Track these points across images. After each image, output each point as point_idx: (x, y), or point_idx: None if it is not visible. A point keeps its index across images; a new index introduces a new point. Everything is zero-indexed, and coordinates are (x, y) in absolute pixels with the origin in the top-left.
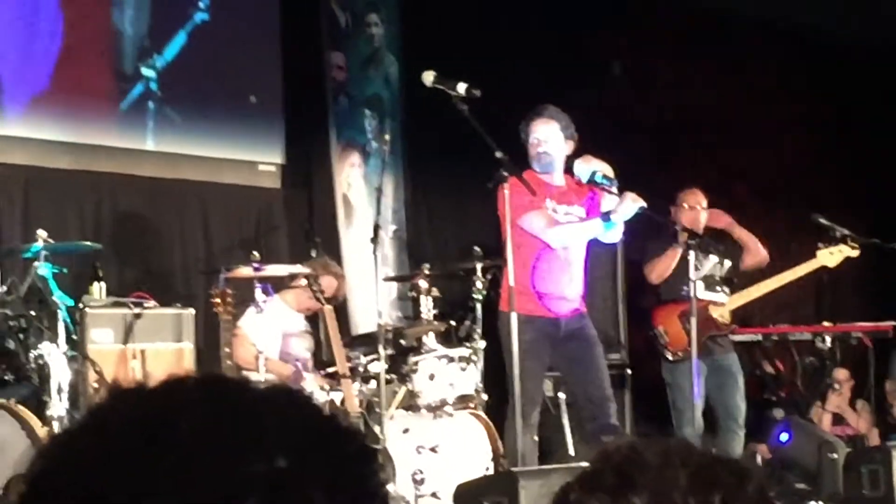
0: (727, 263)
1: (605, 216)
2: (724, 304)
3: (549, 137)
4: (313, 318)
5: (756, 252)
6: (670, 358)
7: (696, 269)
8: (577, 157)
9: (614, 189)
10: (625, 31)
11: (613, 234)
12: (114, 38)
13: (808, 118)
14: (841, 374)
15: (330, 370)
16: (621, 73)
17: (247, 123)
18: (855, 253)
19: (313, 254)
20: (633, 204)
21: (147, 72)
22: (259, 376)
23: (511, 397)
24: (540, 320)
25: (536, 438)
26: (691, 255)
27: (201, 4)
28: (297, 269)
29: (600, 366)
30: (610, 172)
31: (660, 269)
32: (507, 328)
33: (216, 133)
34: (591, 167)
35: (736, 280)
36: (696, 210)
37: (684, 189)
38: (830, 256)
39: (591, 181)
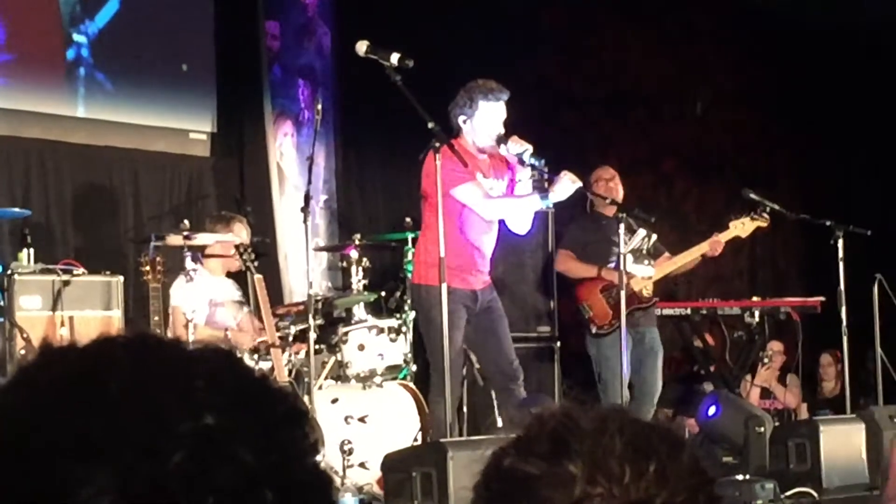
0: (654, 237)
1: (544, 194)
2: (650, 277)
3: (502, 118)
4: (244, 287)
5: None
6: (595, 332)
7: (625, 242)
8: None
9: (542, 167)
10: (560, 3)
11: (524, 225)
12: (57, 6)
13: (741, 93)
14: (775, 345)
15: (259, 339)
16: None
17: (178, 91)
18: (765, 224)
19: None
20: (571, 184)
21: (78, 38)
22: None
23: (434, 371)
24: (458, 292)
25: (465, 410)
26: (621, 228)
27: None
28: (229, 237)
29: (508, 337)
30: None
31: (572, 271)
32: (429, 302)
33: (147, 100)
34: (524, 147)
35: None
36: (611, 184)
37: (596, 168)
38: (742, 227)
39: (522, 160)
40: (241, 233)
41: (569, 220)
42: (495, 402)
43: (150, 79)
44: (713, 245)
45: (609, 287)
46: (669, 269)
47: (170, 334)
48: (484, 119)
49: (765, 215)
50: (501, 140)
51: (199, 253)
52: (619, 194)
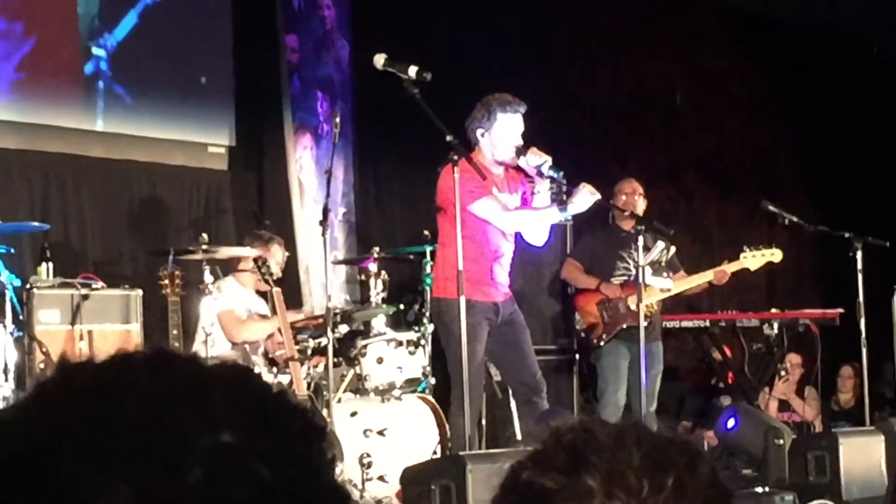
0: (672, 249)
1: (562, 206)
2: (669, 289)
3: (520, 130)
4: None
5: None
6: (586, 342)
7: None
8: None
9: (561, 179)
10: (575, 14)
11: (541, 237)
12: (76, 21)
13: (761, 105)
14: (794, 358)
15: (279, 353)
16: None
17: (197, 105)
18: (777, 258)
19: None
20: (589, 196)
21: (97, 51)
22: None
23: (455, 385)
24: (480, 305)
25: (484, 423)
26: (640, 240)
27: None
28: (248, 251)
29: (531, 349)
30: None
31: (574, 281)
32: (449, 315)
33: (166, 114)
34: (543, 158)
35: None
36: (633, 198)
37: (620, 180)
38: (753, 260)
39: (541, 172)
40: (276, 254)
41: (587, 231)
42: (515, 415)
43: (168, 92)
44: (719, 275)
45: (605, 301)
46: (674, 292)
47: (195, 347)
48: (502, 131)
49: (776, 251)
50: (520, 152)
51: (217, 266)
52: (639, 208)
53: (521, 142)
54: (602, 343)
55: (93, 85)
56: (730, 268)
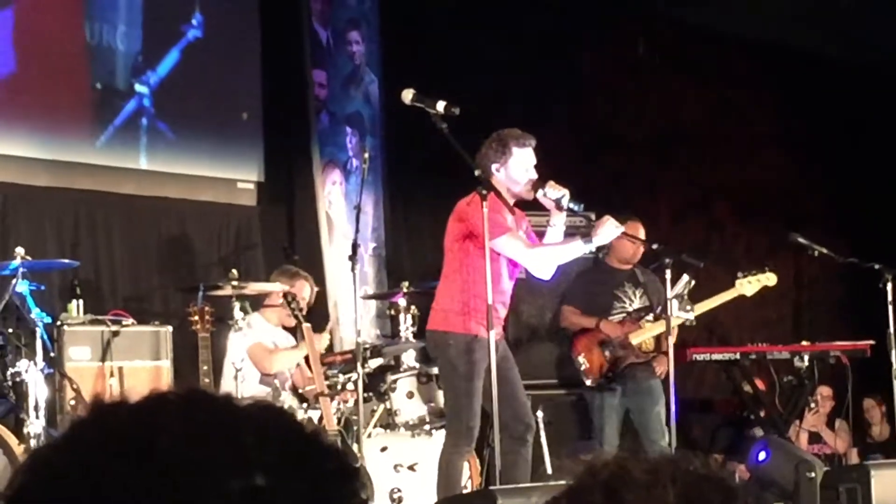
0: (692, 282)
1: (587, 238)
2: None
3: (533, 163)
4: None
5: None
6: (590, 384)
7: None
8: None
9: (582, 211)
10: (603, 49)
11: (548, 271)
12: (89, 55)
13: (789, 136)
14: (824, 391)
15: (309, 388)
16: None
17: (228, 141)
18: (772, 282)
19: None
20: (614, 229)
21: (140, 88)
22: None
23: (453, 419)
24: (483, 341)
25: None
26: (667, 273)
27: (195, 22)
28: (277, 286)
29: (522, 387)
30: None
31: (574, 325)
32: (456, 349)
33: (200, 151)
34: (562, 192)
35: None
36: (635, 242)
37: (625, 221)
38: (749, 286)
39: (560, 205)
40: (302, 289)
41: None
42: (545, 450)
43: (205, 129)
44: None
45: (607, 341)
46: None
47: (225, 382)
48: (518, 165)
49: (770, 274)
50: (538, 186)
51: (247, 301)
52: (636, 255)
53: (535, 175)
54: (604, 382)
55: (136, 121)
56: (727, 296)
